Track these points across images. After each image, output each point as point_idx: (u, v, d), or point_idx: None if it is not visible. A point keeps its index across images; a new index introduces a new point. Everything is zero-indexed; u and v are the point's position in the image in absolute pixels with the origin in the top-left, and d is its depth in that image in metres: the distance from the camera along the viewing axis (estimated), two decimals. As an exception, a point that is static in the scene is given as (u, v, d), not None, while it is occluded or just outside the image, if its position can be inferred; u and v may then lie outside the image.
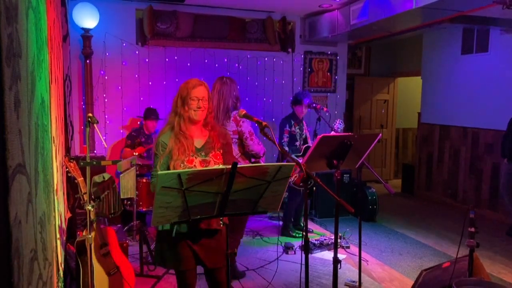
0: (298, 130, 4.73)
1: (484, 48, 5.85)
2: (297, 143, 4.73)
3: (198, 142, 2.36)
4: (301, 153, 4.65)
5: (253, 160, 3.52)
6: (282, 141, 4.62)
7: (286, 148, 4.59)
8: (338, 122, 4.48)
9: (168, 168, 2.26)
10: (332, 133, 4.20)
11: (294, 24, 6.48)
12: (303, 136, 4.81)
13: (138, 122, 5.49)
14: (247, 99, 6.07)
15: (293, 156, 3.77)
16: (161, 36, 5.71)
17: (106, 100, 5.55)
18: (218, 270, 2.41)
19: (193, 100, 2.28)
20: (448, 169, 6.49)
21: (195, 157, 2.32)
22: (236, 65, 6.14)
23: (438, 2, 4.02)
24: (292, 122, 4.72)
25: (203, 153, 2.34)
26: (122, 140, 5.50)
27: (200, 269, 2.44)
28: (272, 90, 6.36)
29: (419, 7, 4.20)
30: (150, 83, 5.72)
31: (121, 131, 5.64)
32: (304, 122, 4.84)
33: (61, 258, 2.68)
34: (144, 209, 4.53)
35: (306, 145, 4.77)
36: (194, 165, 2.30)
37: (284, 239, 4.71)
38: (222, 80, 3.46)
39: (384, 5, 4.70)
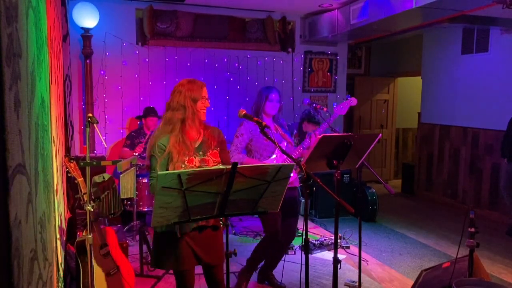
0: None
1: (484, 48, 5.85)
2: None
3: (196, 142, 2.38)
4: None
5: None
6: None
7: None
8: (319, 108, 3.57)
9: (167, 169, 2.26)
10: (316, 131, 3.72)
11: (294, 24, 6.47)
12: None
13: (138, 123, 5.48)
14: (247, 99, 6.07)
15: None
16: (161, 36, 5.71)
17: (106, 100, 5.54)
18: (216, 268, 2.42)
19: (204, 100, 2.34)
20: (448, 169, 6.49)
21: (194, 157, 2.33)
22: (236, 65, 6.14)
23: (438, 2, 4.02)
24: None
25: (201, 152, 2.36)
26: (122, 140, 5.49)
27: (199, 270, 2.44)
28: (272, 90, 6.35)
29: (419, 7, 4.19)
30: (150, 83, 5.72)
31: (121, 131, 5.64)
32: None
33: (61, 258, 2.67)
34: (144, 209, 4.53)
35: None
36: (194, 165, 2.31)
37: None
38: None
39: (384, 5, 4.70)
